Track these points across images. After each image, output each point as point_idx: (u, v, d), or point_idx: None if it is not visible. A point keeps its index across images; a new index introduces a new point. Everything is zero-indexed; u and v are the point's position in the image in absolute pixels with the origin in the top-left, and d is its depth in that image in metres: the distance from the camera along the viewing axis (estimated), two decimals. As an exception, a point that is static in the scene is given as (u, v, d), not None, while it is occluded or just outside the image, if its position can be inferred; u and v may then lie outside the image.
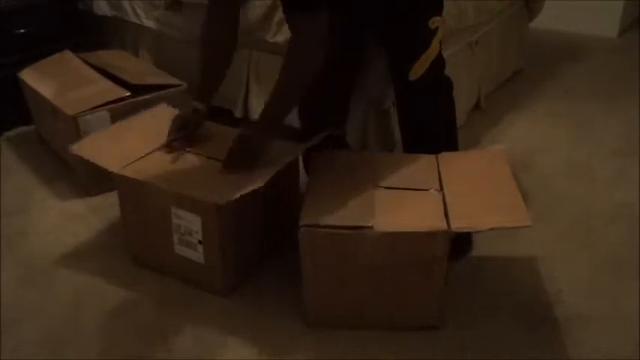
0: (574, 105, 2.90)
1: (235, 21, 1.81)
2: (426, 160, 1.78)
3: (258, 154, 1.69)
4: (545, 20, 3.40)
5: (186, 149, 1.81)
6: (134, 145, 1.82)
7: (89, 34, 2.89)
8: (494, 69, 2.92)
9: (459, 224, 1.50)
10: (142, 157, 1.78)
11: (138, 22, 2.77)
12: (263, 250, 1.87)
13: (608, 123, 2.73)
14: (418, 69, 1.79)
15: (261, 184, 1.58)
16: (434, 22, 1.77)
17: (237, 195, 1.56)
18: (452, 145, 1.98)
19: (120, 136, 1.91)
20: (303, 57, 1.59)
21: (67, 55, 2.51)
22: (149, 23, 2.73)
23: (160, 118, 1.92)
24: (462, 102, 2.64)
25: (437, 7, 1.80)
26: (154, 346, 1.59)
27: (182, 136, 1.81)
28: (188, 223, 1.67)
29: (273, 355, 1.57)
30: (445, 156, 1.80)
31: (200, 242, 1.68)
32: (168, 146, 1.81)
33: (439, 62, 1.86)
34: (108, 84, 2.27)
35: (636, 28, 3.89)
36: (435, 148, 1.82)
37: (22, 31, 2.61)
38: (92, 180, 2.19)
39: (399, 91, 1.91)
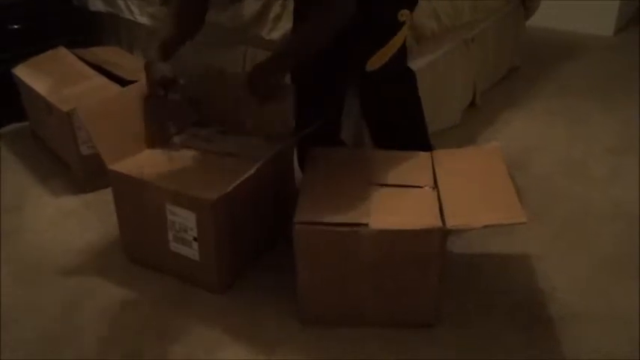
0: (570, 103, 2.90)
1: None
2: (420, 158, 1.78)
3: (273, 82, 1.75)
4: (542, 18, 3.41)
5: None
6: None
7: (84, 31, 2.88)
8: (490, 67, 2.92)
9: (453, 222, 1.49)
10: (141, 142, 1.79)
11: (132, 18, 2.76)
12: (258, 248, 1.86)
13: (605, 121, 2.72)
14: (375, 61, 1.77)
15: (252, 172, 1.63)
16: (402, 14, 1.75)
17: (229, 188, 1.57)
18: (421, 138, 1.95)
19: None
20: (331, 16, 1.60)
21: (62, 51, 2.50)
22: (143, 20, 2.72)
23: None
24: (458, 99, 2.64)
25: (407, 0, 1.78)
26: (151, 344, 1.59)
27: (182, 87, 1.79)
28: (183, 219, 1.66)
29: (271, 354, 1.56)
30: (440, 153, 1.80)
31: (195, 239, 1.67)
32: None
33: (401, 54, 1.82)
34: (103, 80, 2.27)
35: (632, 27, 3.89)
36: (402, 141, 1.80)
37: (16, 26, 2.61)
38: (87, 176, 2.18)
39: (360, 82, 1.88)
